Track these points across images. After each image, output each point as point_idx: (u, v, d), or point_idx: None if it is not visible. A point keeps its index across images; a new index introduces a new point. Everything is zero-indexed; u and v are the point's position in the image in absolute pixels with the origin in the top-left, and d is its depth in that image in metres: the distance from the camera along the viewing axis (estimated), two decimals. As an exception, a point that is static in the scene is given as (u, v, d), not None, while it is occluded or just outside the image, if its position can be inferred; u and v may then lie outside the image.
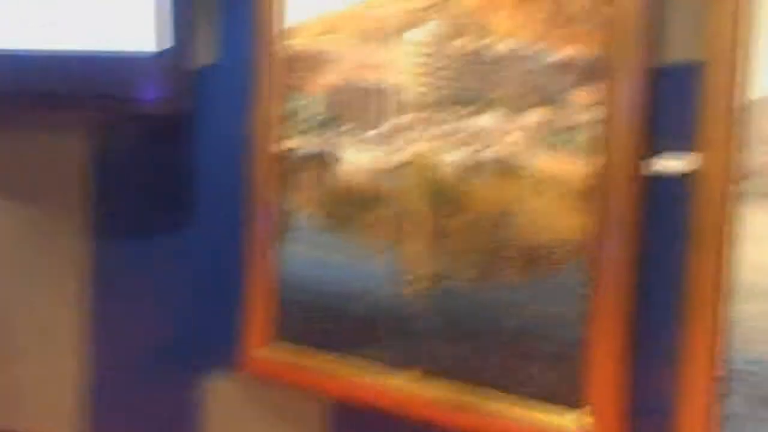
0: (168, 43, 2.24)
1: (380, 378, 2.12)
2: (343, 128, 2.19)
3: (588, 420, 1.81)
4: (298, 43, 2.22)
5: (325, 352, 2.23)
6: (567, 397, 1.85)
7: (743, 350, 1.59)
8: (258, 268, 2.31)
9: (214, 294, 2.45)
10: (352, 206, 2.20)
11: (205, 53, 2.40)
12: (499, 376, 1.95)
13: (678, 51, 1.71)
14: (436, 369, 2.04)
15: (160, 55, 2.24)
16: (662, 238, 1.75)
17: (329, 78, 2.21)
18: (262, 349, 2.33)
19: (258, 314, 2.32)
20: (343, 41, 2.18)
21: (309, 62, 2.23)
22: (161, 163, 2.54)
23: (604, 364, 1.79)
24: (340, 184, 2.21)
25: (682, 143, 1.69)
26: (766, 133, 1.57)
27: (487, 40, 1.95)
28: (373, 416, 2.14)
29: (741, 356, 1.59)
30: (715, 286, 1.62)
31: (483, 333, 1.97)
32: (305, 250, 2.27)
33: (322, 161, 2.23)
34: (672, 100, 1.71)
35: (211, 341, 2.46)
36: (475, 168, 1.98)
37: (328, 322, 2.24)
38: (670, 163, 1.73)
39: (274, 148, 2.28)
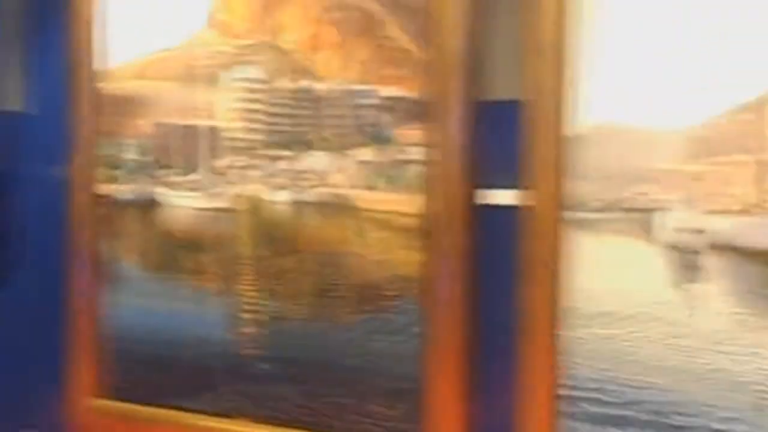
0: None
1: (212, 427, 2.11)
2: (164, 172, 2.22)
3: None
4: (114, 87, 2.23)
5: (156, 404, 2.21)
6: None
7: (578, 369, 1.72)
8: (82, 319, 2.27)
9: (38, 348, 2.37)
10: (178, 251, 2.23)
11: (14, 99, 2.38)
12: (337, 417, 2.00)
13: (501, 90, 1.80)
14: (272, 414, 2.06)
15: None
16: (496, 270, 1.82)
17: (148, 122, 2.23)
18: (89, 403, 2.29)
19: (83, 367, 2.28)
20: (162, 85, 2.22)
21: (126, 106, 2.24)
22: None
23: (444, 400, 1.85)
24: (165, 229, 2.22)
25: (511, 178, 1.78)
26: (588, 166, 1.70)
27: (310, 82, 2.03)
28: None
29: (576, 375, 1.72)
30: (549, 313, 1.73)
31: (319, 374, 2.01)
32: (133, 299, 2.26)
33: (144, 206, 2.23)
34: (498, 137, 1.79)
35: (36, 396, 2.39)
36: (304, 208, 2.04)
37: (159, 372, 2.24)
38: (499, 197, 1.82)
39: (93, 195, 2.25)
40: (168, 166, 2.17)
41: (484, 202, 1.83)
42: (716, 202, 1.64)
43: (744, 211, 1.62)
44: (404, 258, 1.91)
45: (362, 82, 1.95)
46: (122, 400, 2.25)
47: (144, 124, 2.23)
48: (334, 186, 2.00)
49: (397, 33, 1.91)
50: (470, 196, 1.84)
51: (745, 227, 1.62)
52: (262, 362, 2.10)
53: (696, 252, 1.67)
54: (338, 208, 2.00)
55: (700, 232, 1.65)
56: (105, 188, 2.25)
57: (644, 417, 1.69)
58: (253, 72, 2.06)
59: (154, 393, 2.23)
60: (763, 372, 1.56)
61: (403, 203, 1.89)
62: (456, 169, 1.81)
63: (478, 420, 1.89)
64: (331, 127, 1.98)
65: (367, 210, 1.97)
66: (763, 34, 1.54)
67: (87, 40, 2.22)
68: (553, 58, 1.72)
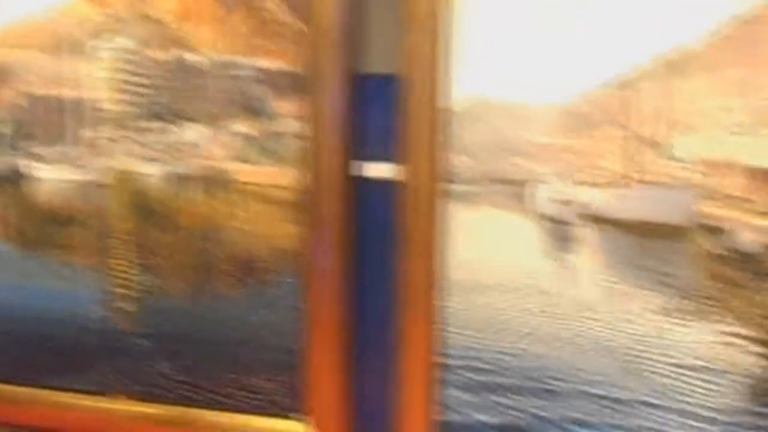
0: None
1: (92, 404, 2.05)
2: (34, 145, 2.18)
3: (306, 428, 1.89)
4: None
5: (30, 384, 2.13)
6: (288, 405, 1.91)
7: (456, 338, 1.75)
8: None
9: None
10: (47, 226, 2.20)
11: None
12: (218, 391, 2.00)
13: (378, 64, 1.80)
14: (150, 390, 2.05)
15: None
16: (375, 241, 1.83)
17: (14, 92, 2.18)
18: None
19: None
20: (26, 53, 2.17)
21: None
22: None
23: (323, 371, 1.87)
24: (36, 204, 2.19)
25: (388, 151, 1.79)
26: (464, 141, 1.74)
27: (183, 52, 2.01)
28: None
29: (455, 344, 1.76)
30: (427, 284, 1.75)
31: (198, 349, 2.02)
32: (4, 275, 2.21)
33: (12, 180, 2.19)
34: (375, 110, 1.80)
35: None
36: (181, 182, 2.04)
37: (32, 351, 2.21)
38: (376, 170, 1.82)
39: None
40: (32, 137, 2.13)
41: (361, 174, 1.84)
42: (587, 175, 1.75)
43: (613, 183, 1.73)
44: (282, 231, 1.92)
45: (238, 54, 1.96)
46: None
47: (5, 94, 2.18)
48: (210, 159, 2.00)
49: (275, 5, 1.91)
50: (347, 169, 1.83)
51: (614, 199, 1.74)
52: (139, 338, 2.08)
53: (568, 223, 1.78)
54: (214, 181, 2.01)
55: (571, 203, 1.76)
56: None
57: (519, 383, 1.79)
58: (123, 41, 2.03)
59: (27, 372, 2.17)
60: (630, 337, 1.70)
61: (281, 176, 1.89)
62: (333, 142, 1.80)
63: (358, 390, 1.91)
64: (205, 99, 1.99)
65: (244, 183, 1.98)
66: (637, 11, 1.63)
67: None
68: (428, 32, 1.73)
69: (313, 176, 1.77)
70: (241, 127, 1.97)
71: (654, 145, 1.73)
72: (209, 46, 1.98)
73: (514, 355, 1.86)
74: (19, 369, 2.17)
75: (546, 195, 1.83)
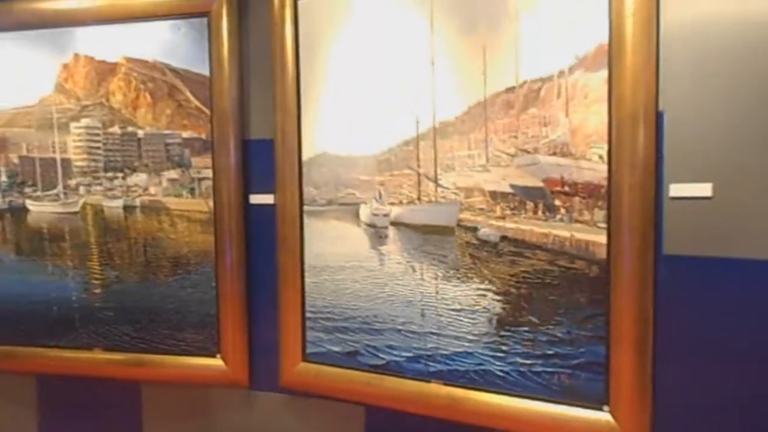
0: None
1: (76, 355, 2.51)
2: (28, 189, 2.55)
3: (221, 362, 2.36)
4: None
5: (32, 345, 2.56)
6: (208, 350, 2.39)
7: (315, 301, 2.22)
8: None
9: None
10: (43, 242, 2.55)
11: None
12: (162, 342, 2.43)
13: (259, 133, 2.30)
14: (116, 344, 2.48)
15: None
16: (262, 243, 2.30)
17: (13, 155, 2.55)
18: None
19: None
20: (25, 131, 2.54)
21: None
22: None
23: (231, 327, 2.34)
24: (33, 227, 2.55)
25: (268, 186, 2.25)
26: (314, 179, 2.16)
27: (133, 128, 2.42)
28: (74, 382, 2.58)
29: (315, 304, 2.22)
30: (295, 269, 2.21)
31: (147, 316, 2.43)
32: (9, 276, 2.59)
33: (13, 213, 2.56)
34: (259, 161, 2.27)
35: None
36: (131, 210, 2.44)
37: (35, 323, 2.57)
38: (261, 198, 2.28)
39: None
40: (33, 185, 2.48)
41: (252, 202, 2.32)
42: (394, 198, 2.08)
43: (410, 202, 2.05)
44: (202, 239, 2.35)
45: (169, 129, 2.34)
46: (4, 344, 2.58)
47: (13, 157, 2.52)
48: (153, 195, 2.39)
49: (191, 97, 2.31)
50: (241, 199, 2.30)
51: (410, 212, 2.06)
52: (107, 311, 2.46)
53: (383, 227, 2.10)
54: (156, 209, 2.39)
55: (386, 215, 2.09)
56: None
57: (356, 325, 2.17)
58: (92, 122, 2.41)
59: (29, 337, 2.56)
60: (422, 294, 2.04)
61: (199, 205, 2.34)
62: (232, 182, 2.28)
63: (256, 337, 2.36)
64: (148, 158, 2.37)
65: (175, 210, 2.37)
66: (416, 99, 1.99)
67: None
68: (290, 113, 2.19)
69: (219, 204, 2.29)
70: (171, 174, 2.35)
71: (430, 178, 2.01)
72: (149, 123, 2.37)
73: (351, 309, 2.14)
74: (22, 335, 2.58)
75: (368, 211, 2.12)
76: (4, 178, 2.51)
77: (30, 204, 2.51)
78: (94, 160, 2.42)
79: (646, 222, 1.66)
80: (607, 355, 1.74)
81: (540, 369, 1.85)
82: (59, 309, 2.53)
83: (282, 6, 2.18)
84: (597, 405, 1.77)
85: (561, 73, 1.76)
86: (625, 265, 1.68)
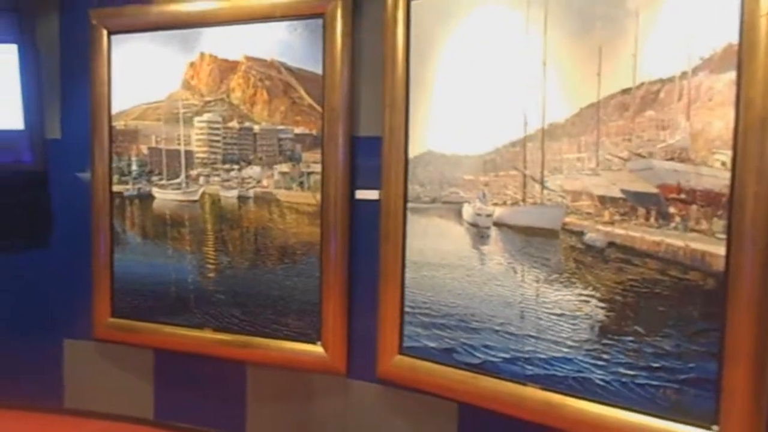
0: (30, 121, 2.64)
1: (190, 333, 2.58)
2: (155, 178, 2.65)
3: (321, 350, 2.37)
4: (122, 124, 2.67)
5: (150, 321, 2.66)
6: (309, 336, 2.40)
7: (414, 296, 2.18)
8: (101, 268, 2.73)
9: (72, 285, 2.83)
10: (165, 226, 2.64)
11: (55, 131, 2.81)
12: (266, 327, 2.46)
13: (368, 130, 2.28)
14: (225, 325, 2.53)
15: (26, 130, 2.64)
16: (365, 237, 2.30)
17: (144, 146, 2.65)
18: (106, 320, 2.75)
19: (102, 298, 2.74)
20: (154, 123, 2.63)
21: (129, 136, 2.65)
22: (27, 203, 2.89)
23: (332, 316, 2.34)
24: (157, 213, 2.65)
25: (374, 182, 2.25)
26: (419, 176, 2.12)
27: (250, 123, 2.46)
28: (186, 358, 2.64)
29: (413, 299, 2.18)
30: (397, 264, 2.19)
31: (255, 301, 2.46)
32: (135, 257, 2.70)
33: (143, 199, 2.66)
34: (366, 157, 2.27)
35: (71, 316, 2.86)
36: (245, 200, 2.48)
37: (153, 301, 2.67)
38: (366, 194, 2.28)
39: (109, 192, 2.70)
40: (159, 174, 2.58)
41: (357, 197, 2.32)
42: (498, 198, 2.01)
43: (514, 204, 1.98)
44: (309, 231, 2.37)
45: (282, 124, 2.37)
46: (128, 318, 2.70)
47: (143, 148, 2.63)
48: (265, 187, 2.43)
49: (304, 94, 2.32)
50: (348, 193, 2.31)
51: (514, 213, 1.99)
52: (219, 294, 2.53)
53: (486, 227, 2.04)
54: (267, 201, 2.43)
55: (489, 215, 2.02)
56: (117, 188, 2.69)
57: (454, 323, 2.12)
58: (213, 117, 2.47)
59: (149, 314, 2.67)
60: (522, 296, 1.96)
61: (307, 198, 2.36)
62: (340, 177, 2.28)
63: (355, 327, 2.37)
64: (262, 151, 2.41)
65: (285, 201, 2.40)
66: (527, 102, 1.91)
67: (104, 93, 2.63)
68: (398, 111, 2.17)
69: (326, 198, 2.31)
70: (283, 167, 2.38)
71: (536, 180, 1.92)
72: (265, 119, 2.40)
73: (449, 306, 2.10)
74: (143, 312, 2.69)
75: (471, 210, 2.07)
76: (134, 167, 2.64)
77: (156, 191, 2.61)
78: (214, 153, 2.49)
79: (771, 233, 1.47)
80: (720, 373, 1.59)
81: (644, 381, 1.72)
82: (177, 290, 2.62)
83: (395, 7, 2.16)
84: (705, 424, 1.62)
85: (683, 75, 1.62)
86: (745, 278, 1.53)
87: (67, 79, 2.77)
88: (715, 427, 1.61)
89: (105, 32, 2.61)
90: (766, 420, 1.56)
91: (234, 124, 2.45)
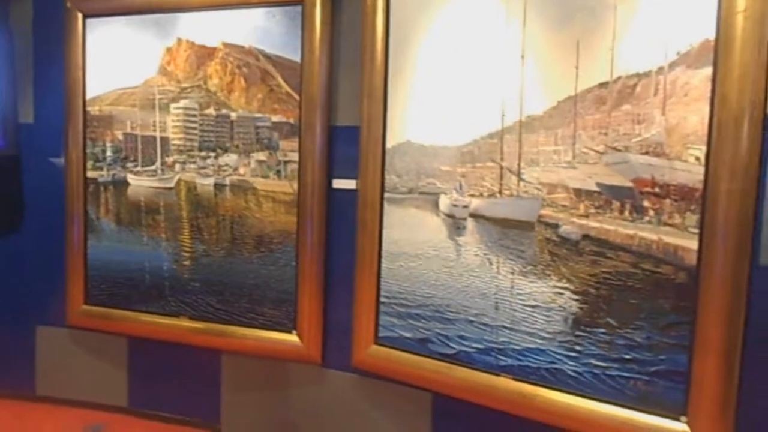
0: (2, 105, 2.60)
1: (164, 321, 2.55)
2: (130, 164, 2.60)
3: (296, 339, 2.34)
4: (97, 109, 2.61)
5: (125, 308, 2.62)
6: (285, 326, 2.37)
7: (390, 286, 2.16)
8: (75, 255, 2.68)
9: (45, 272, 2.79)
10: (140, 213, 2.60)
11: (28, 115, 2.75)
12: (242, 315, 2.43)
13: (345, 120, 2.25)
14: (201, 314, 2.49)
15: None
16: (342, 227, 2.27)
17: (119, 131, 2.60)
18: (79, 308, 2.70)
19: (75, 285, 2.69)
20: (130, 109, 2.58)
21: (104, 121, 2.59)
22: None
23: (308, 305, 2.32)
24: (132, 200, 2.60)
25: (351, 171, 2.22)
26: (396, 167, 2.10)
27: (227, 110, 2.42)
28: (160, 346, 2.60)
29: (389, 289, 2.16)
30: (373, 253, 2.17)
31: (231, 290, 2.43)
32: (109, 243, 2.66)
33: (116, 185, 2.62)
34: (344, 147, 2.24)
35: (44, 302, 2.82)
36: (221, 188, 2.45)
37: (127, 288, 2.63)
38: (344, 183, 2.25)
39: (83, 177, 2.65)
40: (134, 160, 2.53)
41: (335, 186, 2.29)
42: (474, 190, 1.99)
43: (490, 195, 1.96)
44: (285, 220, 2.33)
45: (260, 112, 2.33)
46: (101, 305, 2.65)
47: (118, 134, 2.57)
48: (241, 175, 2.38)
49: (282, 82, 2.28)
50: (326, 182, 2.27)
51: (490, 205, 1.97)
52: (194, 282, 2.49)
53: (462, 218, 2.02)
54: (244, 189, 2.39)
55: (465, 207, 2.00)
56: (92, 174, 2.63)
57: (429, 313, 2.10)
58: (190, 104, 2.43)
59: (123, 301, 2.62)
60: (498, 288, 1.95)
61: (284, 186, 2.32)
62: (317, 166, 2.25)
63: (330, 317, 2.34)
64: (239, 139, 2.37)
65: (262, 190, 2.36)
66: (505, 93, 1.88)
67: (79, 78, 2.57)
68: (376, 101, 2.13)
69: (303, 186, 2.27)
70: (260, 156, 2.34)
71: (513, 172, 1.90)
72: (242, 106, 2.36)
73: (425, 297, 2.08)
74: (117, 299, 2.64)
75: (448, 201, 2.05)
76: (109, 153, 2.59)
77: (131, 178, 2.56)
78: (190, 140, 2.45)
79: (742, 229, 1.52)
80: (690, 365, 1.60)
81: (615, 373, 1.73)
82: (151, 277, 2.58)
83: (375, -4, 2.09)
84: (674, 415, 1.64)
85: (660, 69, 1.61)
86: (716, 273, 1.54)
87: (40, 62, 2.70)
88: (683, 418, 1.62)
89: (80, 15, 2.54)
90: (734, 411, 1.56)
91: (211, 111, 2.41)
